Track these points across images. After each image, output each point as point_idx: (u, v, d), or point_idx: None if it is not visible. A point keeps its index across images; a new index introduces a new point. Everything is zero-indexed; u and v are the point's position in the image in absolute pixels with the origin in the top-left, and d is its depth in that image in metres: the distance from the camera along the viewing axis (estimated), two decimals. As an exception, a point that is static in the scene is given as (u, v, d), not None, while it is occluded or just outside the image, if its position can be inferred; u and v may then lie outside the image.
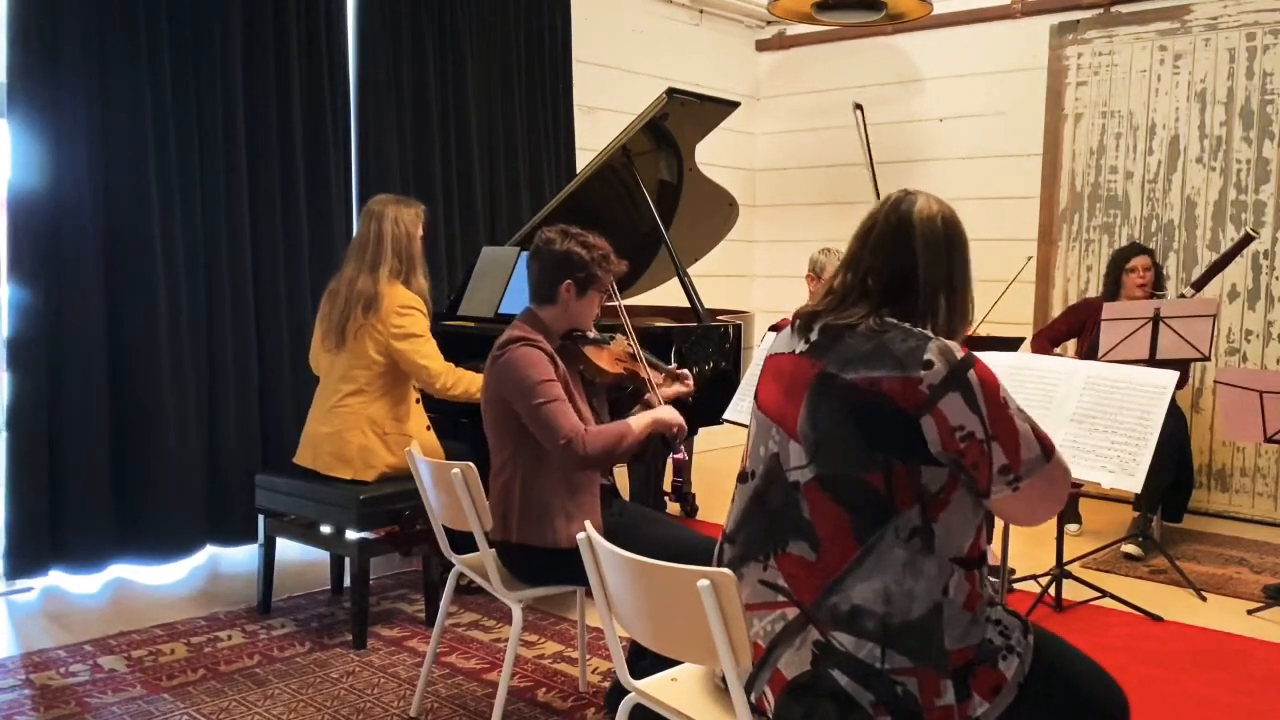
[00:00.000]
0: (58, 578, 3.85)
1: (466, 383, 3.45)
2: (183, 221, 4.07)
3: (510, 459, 2.64)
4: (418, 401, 3.57)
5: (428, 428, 3.57)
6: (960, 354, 1.65)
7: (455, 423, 3.83)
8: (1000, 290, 4.71)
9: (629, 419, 2.71)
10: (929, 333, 1.69)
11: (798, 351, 1.77)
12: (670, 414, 2.76)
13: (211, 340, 4.17)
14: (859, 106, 5.40)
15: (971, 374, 1.63)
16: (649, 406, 2.84)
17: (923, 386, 1.61)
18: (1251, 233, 4.47)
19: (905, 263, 1.74)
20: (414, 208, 3.55)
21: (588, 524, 1.86)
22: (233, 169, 4.21)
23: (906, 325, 1.70)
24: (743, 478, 1.84)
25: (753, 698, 1.69)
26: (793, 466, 1.71)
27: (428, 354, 3.42)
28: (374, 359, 3.40)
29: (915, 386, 1.61)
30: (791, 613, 1.67)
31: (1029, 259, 4.84)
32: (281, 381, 4.36)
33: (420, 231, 3.54)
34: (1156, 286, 4.65)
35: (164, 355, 4.00)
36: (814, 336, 1.75)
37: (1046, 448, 1.66)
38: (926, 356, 1.63)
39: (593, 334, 2.86)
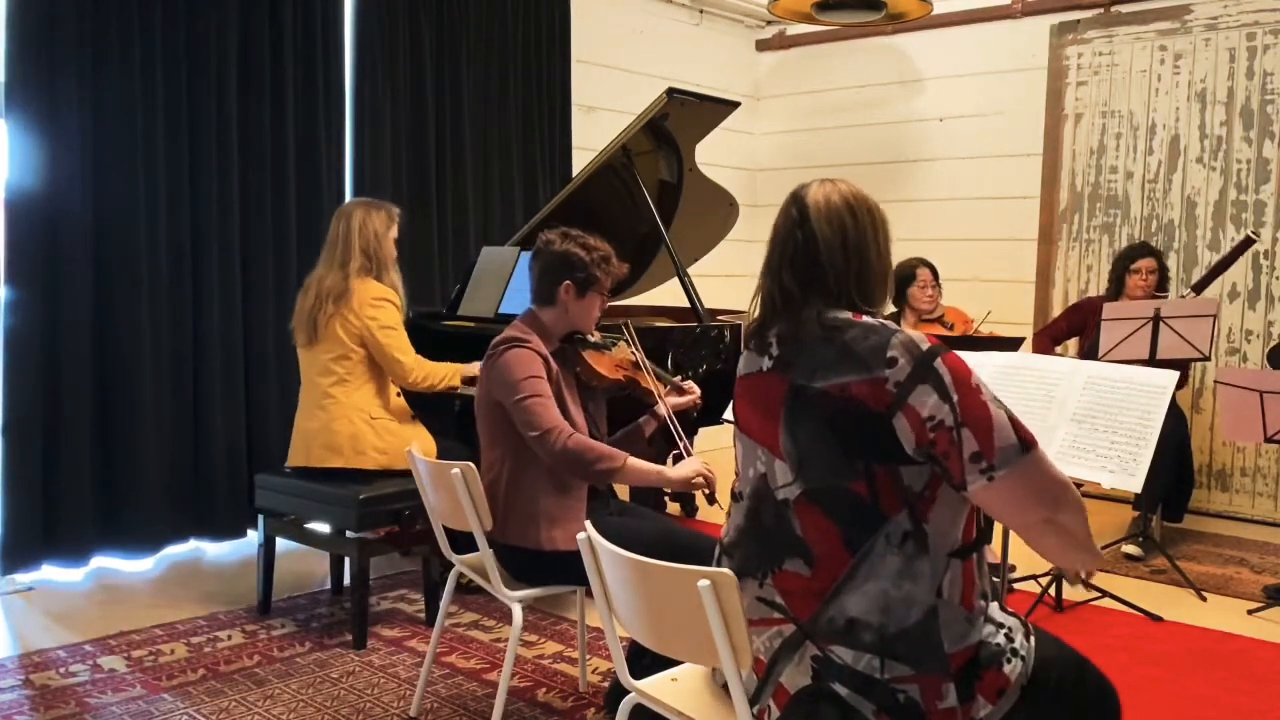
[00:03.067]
0: (50, 572, 3.89)
1: (434, 376, 3.52)
2: (173, 223, 4.10)
3: (499, 460, 2.64)
4: (399, 394, 3.61)
5: (413, 417, 3.61)
6: (926, 344, 1.63)
7: (446, 419, 3.83)
8: (999, 294, 4.70)
9: (640, 460, 2.57)
10: (890, 324, 1.67)
11: (764, 369, 1.75)
12: (681, 473, 2.56)
13: (198, 339, 4.20)
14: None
15: (939, 362, 1.60)
16: (656, 417, 2.84)
17: (889, 385, 1.60)
18: (1252, 235, 4.47)
19: (809, 246, 1.72)
20: (385, 211, 3.58)
21: (588, 524, 1.86)
22: (225, 171, 4.23)
23: (865, 321, 1.68)
24: (736, 497, 1.84)
25: (756, 710, 1.69)
26: (780, 485, 1.70)
27: (402, 347, 3.48)
28: (352, 349, 3.44)
29: (882, 386, 1.60)
30: (788, 629, 1.67)
31: (988, 313, 4.77)
32: (267, 380, 4.39)
33: (393, 234, 3.58)
34: (1159, 288, 4.64)
35: (153, 352, 4.04)
36: (774, 350, 1.74)
37: (1025, 439, 1.60)
38: (890, 354, 1.61)
39: (594, 338, 2.85)
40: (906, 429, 1.59)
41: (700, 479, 2.57)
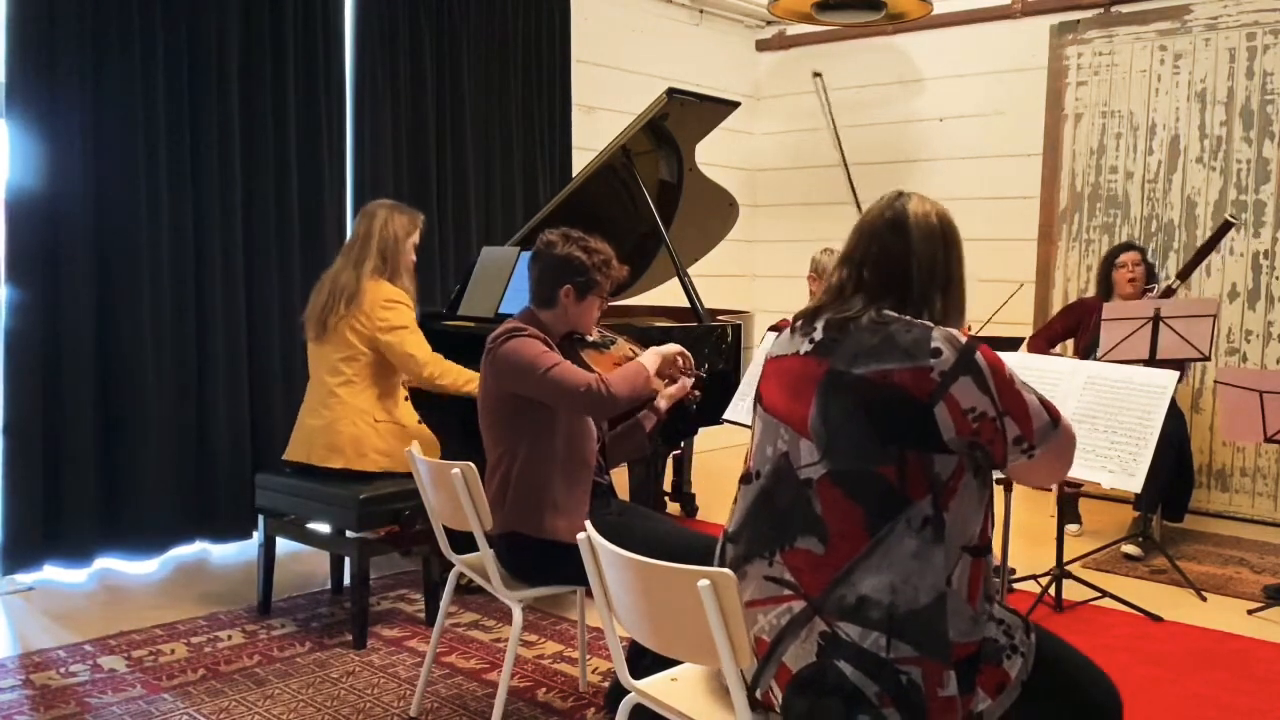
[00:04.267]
0: (51, 572, 3.89)
1: (454, 374, 3.46)
2: (175, 223, 4.10)
3: (506, 453, 2.64)
4: (406, 399, 3.60)
5: (419, 421, 3.61)
6: (964, 338, 1.69)
7: (450, 418, 3.82)
8: (999, 294, 4.72)
9: (637, 358, 2.76)
10: (929, 323, 1.71)
11: (802, 352, 1.78)
12: (669, 346, 2.82)
13: (202, 339, 4.20)
14: (818, 75, 5.55)
15: (978, 355, 1.67)
16: (656, 412, 2.85)
17: (934, 374, 1.64)
18: (1230, 219, 4.47)
19: (901, 254, 1.78)
20: (409, 215, 3.57)
21: (588, 524, 1.86)
22: (226, 171, 4.23)
23: (907, 318, 1.72)
24: (746, 479, 1.84)
25: (758, 694, 1.70)
26: (804, 464, 1.71)
27: (415, 344, 3.45)
28: (360, 351, 3.43)
29: (926, 375, 1.64)
30: (798, 605, 1.68)
31: (1020, 285, 4.93)
32: (271, 380, 4.39)
33: (414, 240, 3.57)
34: (1148, 282, 4.65)
35: (155, 352, 4.04)
36: (818, 335, 1.76)
37: (1053, 415, 1.73)
38: (934, 344, 1.66)
39: (593, 337, 2.85)
40: (947, 418, 1.64)
41: (679, 356, 2.81)
